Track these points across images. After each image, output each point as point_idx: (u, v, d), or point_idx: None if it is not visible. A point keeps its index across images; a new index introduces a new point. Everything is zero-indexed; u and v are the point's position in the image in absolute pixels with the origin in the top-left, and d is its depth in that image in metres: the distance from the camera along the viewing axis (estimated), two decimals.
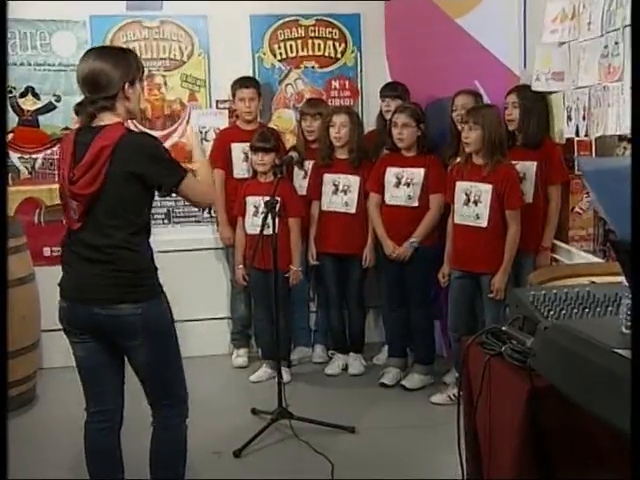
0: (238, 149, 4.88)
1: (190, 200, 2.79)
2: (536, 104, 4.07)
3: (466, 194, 4.05)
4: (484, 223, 3.99)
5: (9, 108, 4.83)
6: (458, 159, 4.18)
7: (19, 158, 4.88)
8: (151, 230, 2.76)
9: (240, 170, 4.89)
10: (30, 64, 4.86)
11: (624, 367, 1.43)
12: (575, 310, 2.01)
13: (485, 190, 3.98)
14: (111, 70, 2.62)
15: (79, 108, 2.67)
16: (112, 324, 2.64)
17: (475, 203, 4.01)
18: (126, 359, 2.79)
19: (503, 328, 2.05)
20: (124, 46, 4.79)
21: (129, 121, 2.85)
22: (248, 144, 4.70)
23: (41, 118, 4.90)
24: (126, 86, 2.66)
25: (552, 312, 1.99)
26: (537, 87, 4.06)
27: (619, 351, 1.49)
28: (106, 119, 2.64)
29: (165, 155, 2.69)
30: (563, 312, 1.99)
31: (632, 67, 1.62)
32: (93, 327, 2.68)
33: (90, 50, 2.79)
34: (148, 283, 2.70)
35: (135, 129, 2.96)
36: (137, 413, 2.91)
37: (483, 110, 4.06)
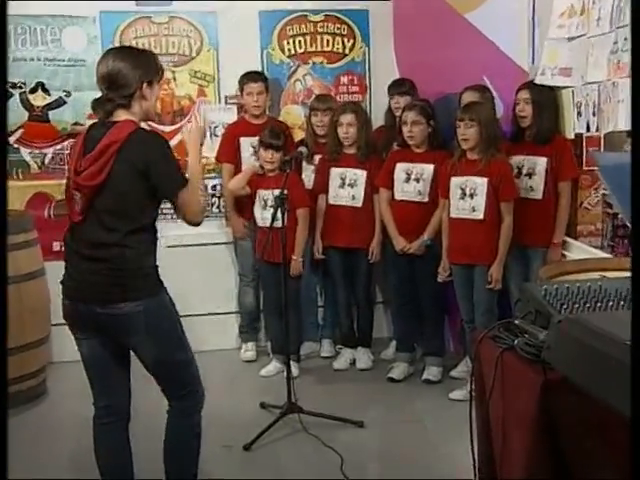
0: (246, 143, 4.89)
1: (180, 212, 2.69)
2: (547, 100, 4.08)
3: (461, 188, 4.10)
4: (481, 215, 4.06)
5: (19, 104, 4.85)
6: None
7: (29, 153, 4.89)
8: (157, 230, 2.75)
9: (249, 164, 4.87)
10: (40, 59, 4.86)
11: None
12: (587, 304, 2.02)
13: (480, 183, 4.04)
14: (130, 70, 2.65)
15: (96, 104, 2.70)
16: (114, 322, 2.65)
17: (471, 196, 4.07)
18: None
19: (516, 322, 2.07)
20: (135, 43, 4.86)
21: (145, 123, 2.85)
22: (256, 138, 4.71)
23: (51, 113, 4.91)
24: (144, 86, 2.69)
25: (565, 306, 2.01)
26: (541, 81, 4.09)
27: None
28: (121, 116, 2.67)
29: (170, 158, 2.67)
30: (576, 306, 2.01)
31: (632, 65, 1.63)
32: (95, 325, 2.69)
33: (110, 50, 2.83)
34: (148, 280, 2.69)
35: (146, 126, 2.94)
36: (145, 416, 2.97)
37: (478, 106, 4.13)
